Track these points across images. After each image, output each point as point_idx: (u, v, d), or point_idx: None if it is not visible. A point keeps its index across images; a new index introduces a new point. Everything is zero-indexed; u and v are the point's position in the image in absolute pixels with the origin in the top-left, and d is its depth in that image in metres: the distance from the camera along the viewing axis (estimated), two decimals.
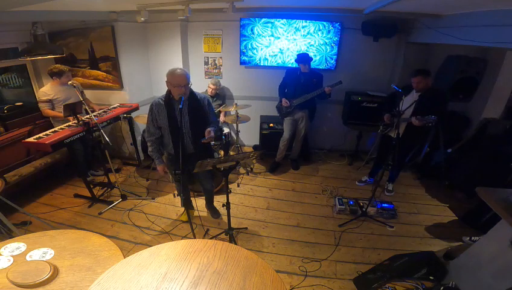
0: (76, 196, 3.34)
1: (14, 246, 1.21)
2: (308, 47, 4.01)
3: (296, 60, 3.56)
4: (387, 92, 3.90)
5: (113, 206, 3.15)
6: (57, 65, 3.17)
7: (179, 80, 2.07)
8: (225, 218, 2.65)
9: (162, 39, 4.07)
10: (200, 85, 4.23)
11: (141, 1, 2.71)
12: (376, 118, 3.44)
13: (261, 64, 4.17)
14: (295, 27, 3.90)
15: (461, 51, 3.48)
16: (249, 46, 4.06)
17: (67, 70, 3.15)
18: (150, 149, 2.41)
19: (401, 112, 2.74)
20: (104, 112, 3.41)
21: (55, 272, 1.07)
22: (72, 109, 2.84)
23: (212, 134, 2.30)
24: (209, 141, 2.32)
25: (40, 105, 3.15)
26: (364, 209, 3.02)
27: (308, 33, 3.93)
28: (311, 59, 3.53)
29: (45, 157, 3.48)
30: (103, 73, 3.87)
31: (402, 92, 2.73)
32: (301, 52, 3.89)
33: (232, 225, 2.56)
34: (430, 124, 2.62)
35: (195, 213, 2.89)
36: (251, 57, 4.13)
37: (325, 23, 3.85)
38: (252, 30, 3.96)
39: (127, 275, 0.98)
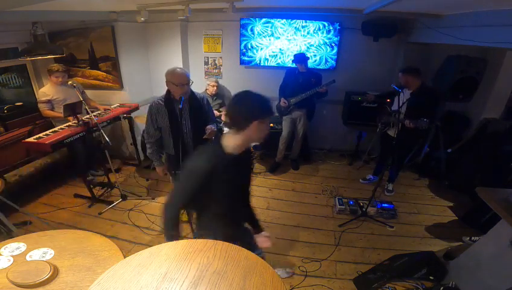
0: (76, 196, 3.34)
1: (14, 246, 1.21)
2: (308, 47, 4.01)
3: (293, 61, 3.58)
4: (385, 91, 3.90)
5: (113, 206, 3.15)
6: (53, 64, 3.16)
7: (181, 79, 2.07)
8: None
9: (162, 39, 4.07)
10: (201, 85, 4.24)
11: (141, 1, 2.71)
12: (376, 118, 3.45)
13: (261, 64, 4.17)
14: (295, 27, 3.90)
15: (461, 51, 3.48)
16: (249, 46, 4.06)
17: (57, 71, 3.06)
18: (149, 151, 2.40)
19: (399, 110, 2.74)
20: (104, 111, 3.41)
21: (55, 272, 1.07)
22: (72, 109, 2.84)
23: (214, 128, 2.30)
24: (210, 136, 2.32)
25: (40, 105, 3.14)
26: (364, 209, 3.02)
27: (308, 33, 3.93)
28: (308, 59, 3.54)
29: (45, 157, 3.48)
30: (103, 73, 3.87)
31: (401, 91, 2.74)
32: (298, 52, 3.90)
33: None
34: (423, 127, 2.63)
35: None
36: (251, 57, 4.13)
37: (325, 23, 3.85)
38: (252, 30, 3.96)
39: (127, 275, 0.98)
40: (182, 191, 1.36)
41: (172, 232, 1.39)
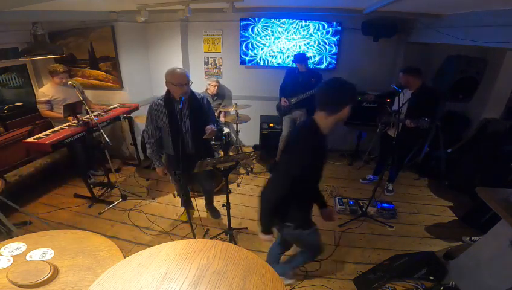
0: (76, 196, 3.34)
1: (14, 246, 1.21)
2: (308, 47, 4.01)
3: (293, 60, 3.59)
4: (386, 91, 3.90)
5: (113, 206, 3.15)
6: (55, 64, 3.16)
7: (180, 79, 2.07)
8: (225, 218, 2.65)
9: (162, 39, 4.07)
10: (200, 85, 4.24)
11: (141, 1, 2.71)
12: (376, 118, 3.45)
13: (261, 64, 4.17)
14: (295, 27, 3.90)
15: (461, 51, 3.48)
16: (249, 46, 4.06)
17: (61, 72, 3.08)
18: (149, 151, 2.40)
19: (399, 111, 2.74)
20: (104, 111, 3.41)
21: (55, 272, 1.07)
22: (72, 109, 2.84)
23: (214, 128, 2.30)
24: (210, 136, 2.32)
25: (39, 106, 3.14)
26: (364, 209, 3.01)
27: (308, 33, 3.93)
28: (308, 58, 3.55)
29: (45, 157, 3.48)
30: (103, 73, 3.87)
31: (401, 91, 2.74)
32: (298, 52, 3.90)
33: (232, 225, 2.56)
34: (424, 127, 2.63)
35: (195, 213, 2.89)
36: (251, 57, 4.13)
37: (324, 23, 3.85)
38: (252, 30, 3.96)
39: (127, 275, 0.98)
40: (291, 171, 1.42)
41: (269, 222, 1.58)
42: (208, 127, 2.28)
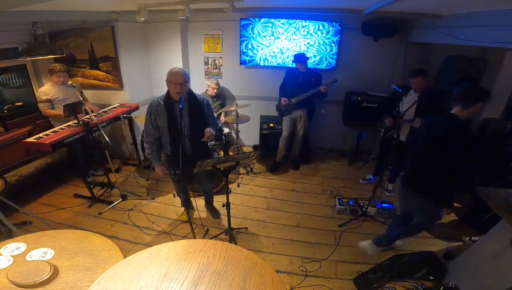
0: (76, 196, 3.34)
1: (14, 246, 1.21)
2: (308, 47, 4.01)
3: (293, 60, 3.60)
4: (388, 92, 3.90)
5: (113, 206, 3.15)
6: (55, 64, 3.16)
7: (175, 78, 2.08)
8: (225, 218, 2.65)
9: (162, 39, 4.07)
10: (200, 85, 4.24)
11: (141, 1, 2.71)
12: (376, 118, 3.44)
13: (261, 64, 4.17)
14: (295, 27, 3.90)
15: (461, 51, 3.48)
16: (249, 46, 4.06)
17: (59, 70, 3.08)
18: (147, 151, 2.38)
19: (402, 114, 2.74)
20: (104, 112, 3.40)
21: (55, 272, 1.07)
22: (72, 109, 2.84)
23: (213, 131, 2.30)
24: (209, 139, 2.32)
25: (40, 105, 3.14)
26: (364, 209, 3.01)
27: (308, 33, 3.93)
28: (308, 58, 3.55)
29: (45, 157, 3.48)
30: (103, 73, 3.87)
31: (402, 91, 2.73)
32: (298, 52, 3.90)
33: (232, 225, 2.55)
34: None
35: (195, 213, 2.89)
36: (251, 57, 4.13)
37: (325, 23, 3.85)
38: (252, 30, 3.96)
39: (127, 275, 0.98)
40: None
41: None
42: (207, 129, 2.27)
